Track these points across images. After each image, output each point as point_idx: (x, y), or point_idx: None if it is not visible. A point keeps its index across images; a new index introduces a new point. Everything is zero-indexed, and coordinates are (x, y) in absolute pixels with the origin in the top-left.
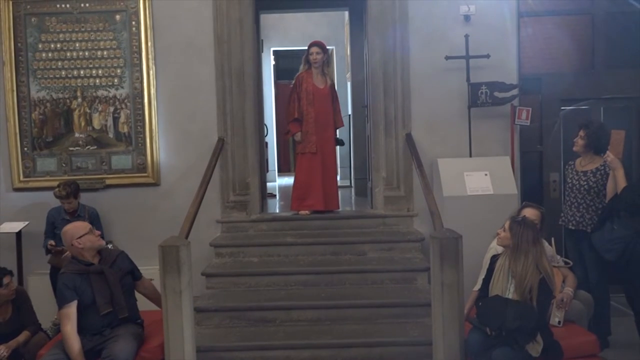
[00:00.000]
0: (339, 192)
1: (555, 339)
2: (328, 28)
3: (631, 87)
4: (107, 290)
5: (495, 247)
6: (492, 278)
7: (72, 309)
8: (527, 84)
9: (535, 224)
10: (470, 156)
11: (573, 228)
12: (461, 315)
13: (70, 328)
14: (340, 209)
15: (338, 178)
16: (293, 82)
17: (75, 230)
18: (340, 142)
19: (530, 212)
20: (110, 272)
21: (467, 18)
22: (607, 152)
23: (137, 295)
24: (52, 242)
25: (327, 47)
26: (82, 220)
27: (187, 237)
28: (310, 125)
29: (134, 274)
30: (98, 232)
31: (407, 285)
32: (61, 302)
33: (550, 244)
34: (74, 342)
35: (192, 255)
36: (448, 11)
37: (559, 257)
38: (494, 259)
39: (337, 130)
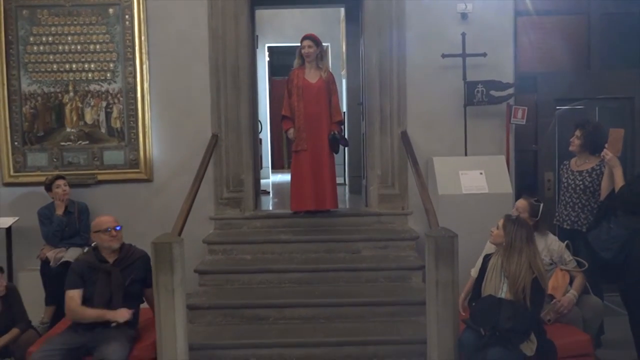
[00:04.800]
0: (335, 189)
1: (549, 338)
2: (323, 24)
3: (627, 87)
4: (108, 292)
5: (490, 246)
6: (485, 277)
7: (77, 293)
8: (523, 83)
9: (528, 223)
10: (466, 155)
11: (568, 227)
12: (456, 314)
13: (76, 304)
14: (336, 209)
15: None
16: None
17: (96, 223)
18: (335, 142)
19: (519, 202)
20: (117, 276)
21: (464, 16)
22: (605, 150)
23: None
24: (45, 251)
25: (323, 44)
26: (72, 216)
27: (180, 234)
28: (300, 122)
29: (146, 282)
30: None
31: (401, 283)
32: (68, 284)
33: (567, 248)
34: (85, 310)
35: (185, 252)
36: (445, 9)
37: (570, 258)
38: (487, 257)
39: (341, 129)
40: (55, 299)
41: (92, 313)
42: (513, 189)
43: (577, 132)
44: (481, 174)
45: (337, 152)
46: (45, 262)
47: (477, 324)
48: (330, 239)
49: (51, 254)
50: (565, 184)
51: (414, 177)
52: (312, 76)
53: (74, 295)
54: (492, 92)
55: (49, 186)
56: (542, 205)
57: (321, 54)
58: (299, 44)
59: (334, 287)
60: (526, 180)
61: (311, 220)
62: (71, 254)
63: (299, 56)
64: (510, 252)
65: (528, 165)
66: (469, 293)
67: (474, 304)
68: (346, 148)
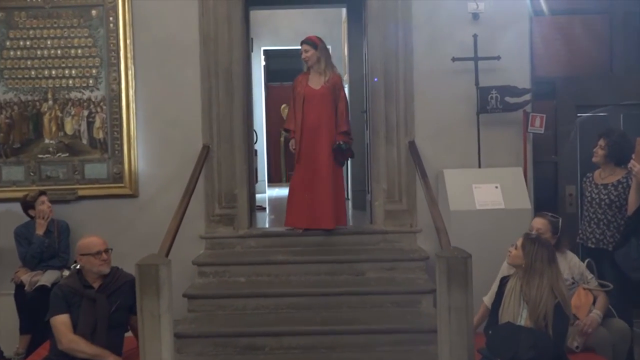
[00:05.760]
0: (338, 205)
1: None
2: (323, 26)
3: None
4: (93, 321)
5: (506, 268)
6: (502, 302)
7: (66, 317)
8: (540, 88)
9: (550, 242)
10: (479, 167)
11: (592, 246)
12: (470, 343)
13: (70, 331)
14: (335, 227)
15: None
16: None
17: (84, 245)
18: (341, 153)
19: (537, 222)
20: (103, 304)
21: (475, 16)
22: (632, 161)
23: None
24: (20, 274)
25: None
26: (52, 236)
27: (167, 255)
28: (297, 132)
29: (132, 308)
30: (105, 257)
31: (410, 309)
32: (54, 310)
33: (590, 269)
34: (81, 343)
35: (173, 274)
36: (455, 9)
37: (591, 276)
38: (504, 280)
39: (349, 139)
40: (30, 326)
41: (89, 349)
42: (532, 204)
43: (601, 142)
44: (496, 187)
45: (342, 165)
46: (19, 286)
47: (495, 354)
48: (332, 260)
49: (26, 277)
50: (589, 199)
51: (423, 191)
52: (315, 82)
53: (64, 320)
54: (507, 99)
55: (30, 203)
56: (560, 220)
57: (323, 57)
58: (298, 48)
59: (336, 313)
60: (546, 195)
61: (311, 240)
62: (48, 278)
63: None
64: (530, 274)
65: (547, 178)
66: (480, 323)
67: (490, 331)
68: (349, 160)
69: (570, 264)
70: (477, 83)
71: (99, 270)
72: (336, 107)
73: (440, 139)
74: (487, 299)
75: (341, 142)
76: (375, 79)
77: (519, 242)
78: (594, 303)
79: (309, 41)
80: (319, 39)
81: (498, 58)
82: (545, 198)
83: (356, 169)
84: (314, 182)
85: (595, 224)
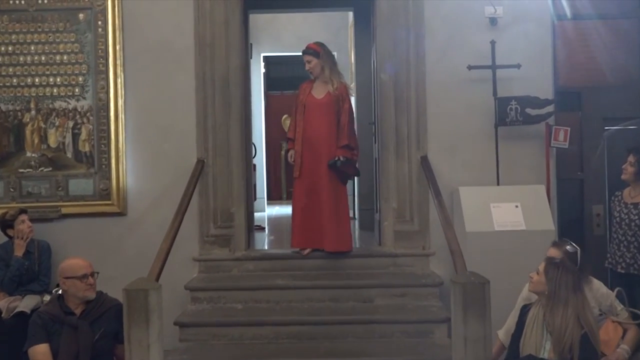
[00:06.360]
0: (339, 227)
1: None
2: (328, 31)
3: None
4: (75, 350)
5: (527, 295)
6: (524, 333)
7: (45, 348)
8: (564, 99)
9: (575, 267)
10: (498, 184)
11: (622, 271)
12: None
13: None
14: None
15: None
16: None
17: (68, 267)
18: (337, 171)
19: (552, 253)
20: (86, 332)
21: (493, 21)
22: None
23: None
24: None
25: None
26: (32, 258)
27: (157, 279)
28: (298, 144)
29: (118, 336)
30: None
31: (422, 339)
32: (32, 339)
33: (620, 299)
34: None
35: (163, 300)
36: (471, 12)
37: (621, 307)
38: (525, 309)
39: (352, 154)
40: (6, 357)
41: None
42: (555, 225)
43: (631, 158)
44: (517, 207)
45: (345, 183)
46: None
47: None
48: (337, 285)
49: (3, 303)
50: (618, 219)
51: (436, 210)
52: (319, 91)
53: (43, 351)
54: (528, 110)
55: (9, 222)
56: (579, 251)
57: (327, 64)
58: (300, 54)
59: (341, 344)
60: (570, 215)
61: (314, 263)
62: (27, 304)
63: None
64: (553, 302)
65: (572, 196)
66: (497, 357)
67: None
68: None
69: (597, 294)
70: (495, 93)
71: (84, 295)
72: (338, 120)
73: (455, 154)
74: (503, 334)
75: (339, 158)
76: (388, 68)
77: (541, 267)
78: (623, 337)
79: (310, 51)
80: (320, 45)
81: (518, 66)
82: (570, 219)
83: (363, 186)
84: (314, 200)
85: (625, 247)
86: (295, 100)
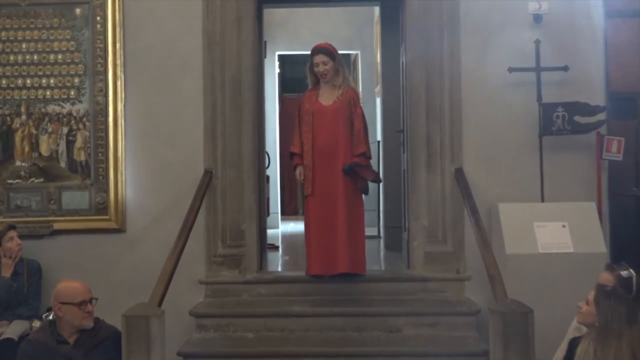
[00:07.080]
0: (353, 247)
1: None
2: (351, 28)
3: None
4: None
5: (578, 325)
6: None
7: None
8: (617, 105)
9: (629, 296)
10: (542, 200)
11: None
12: None
13: None
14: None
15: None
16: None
17: (65, 292)
18: (351, 172)
19: (603, 279)
20: None
21: (537, 18)
22: None
23: None
24: None
25: (350, 52)
26: (20, 279)
27: (160, 304)
28: (307, 157)
29: None
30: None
31: None
32: None
33: None
34: None
35: (166, 328)
36: (512, 9)
37: None
38: (574, 342)
39: (368, 162)
40: None
41: None
42: (608, 247)
43: None
44: (564, 226)
45: (366, 193)
46: None
47: None
48: (360, 313)
49: None
50: None
51: (472, 229)
52: (327, 98)
53: None
54: (577, 118)
55: None
56: (635, 276)
57: (342, 69)
58: (310, 57)
59: None
60: (625, 235)
61: (334, 287)
62: (15, 330)
63: (312, 73)
64: (605, 335)
65: (627, 214)
66: None
67: None
68: (381, 190)
69: None
70: (539, 99)
71: (81, 324)
72: (351, 126)
73: (493, 166)
74: None
75: (353, 162)
76: None
77: (591, 296)
78: None
79: (325, 50)
80: (332, 46)
81: (565, 68)
82: (624, 240)
83: (389, 202)
84: (330, 218)
85: None
86: (299, 110)
